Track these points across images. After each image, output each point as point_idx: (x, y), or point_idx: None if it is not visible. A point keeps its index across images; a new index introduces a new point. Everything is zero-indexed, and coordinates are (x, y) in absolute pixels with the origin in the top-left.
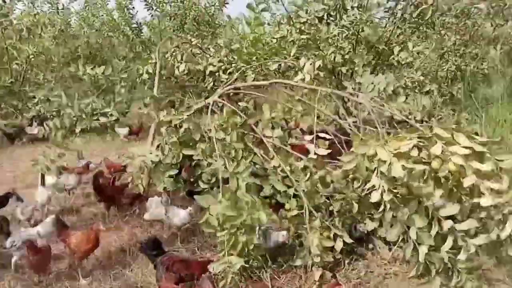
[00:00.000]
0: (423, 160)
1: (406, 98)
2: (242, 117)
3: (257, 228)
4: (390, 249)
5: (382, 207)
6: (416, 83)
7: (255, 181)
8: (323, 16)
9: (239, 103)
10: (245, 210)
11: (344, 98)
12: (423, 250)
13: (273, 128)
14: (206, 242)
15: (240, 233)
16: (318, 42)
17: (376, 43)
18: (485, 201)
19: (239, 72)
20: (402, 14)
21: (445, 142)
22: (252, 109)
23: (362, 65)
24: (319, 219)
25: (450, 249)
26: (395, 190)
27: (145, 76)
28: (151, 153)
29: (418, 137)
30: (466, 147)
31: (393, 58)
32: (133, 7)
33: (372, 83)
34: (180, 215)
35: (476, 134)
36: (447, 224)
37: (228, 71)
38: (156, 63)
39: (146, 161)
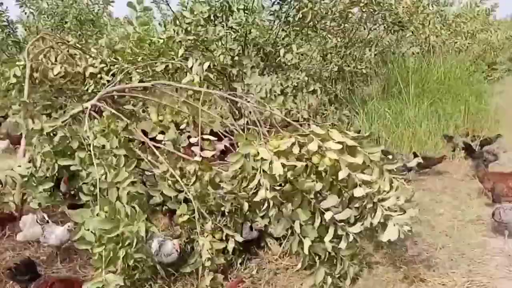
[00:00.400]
0: (305, 157)
1: (295, 97)
2: (125, 121)
3: (139, 240)
4: (280, 244)
5: (266, 205)
6: (302, 83)
7: (138, 189)
8: (209, 17)
9: (125, 107)
10: (123, 222)
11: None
12: (307, 242)
13: (162, 132)
14: (90, 259)
15: (118, 248)
16: (205, 43)
17: (263, 45)
18: (358, 191)
19: (123, 73)
20: (285, 17)
21: (321, 139)
22: (141, 112)
23: (251, 67)
24: (211, 222)
25: (333, 239)
26: (278, 188)
27: (13, 80)
28: (19, 166)
29: (298, 135)
30: (339, 143)
31: (280, 60)
32: (1, 3)
33: (260, 84)
34: (58, 233)
35: (359, 132)
36: (328, 215)
37: (111, 73)
38: (25, 65)
39: (14, 176)
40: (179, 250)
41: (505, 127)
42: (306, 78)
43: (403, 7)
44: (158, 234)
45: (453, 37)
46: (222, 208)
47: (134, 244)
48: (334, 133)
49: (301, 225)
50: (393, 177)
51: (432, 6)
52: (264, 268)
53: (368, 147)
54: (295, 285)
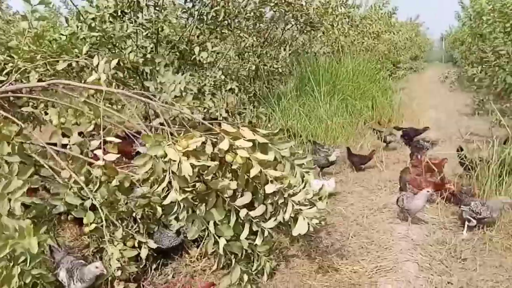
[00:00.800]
0: (219, 156)
1: (213, 96)
2: (19, 125)
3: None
4: (198, 246)
5: (176, 207)
6: (220, 82)
7: (34, 199)
8: (116, 12)
9: (24, 109)
10: (13, 238)
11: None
12: (222, 241)
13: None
14: None
15: (11, 266)
16: (113, 40)
17: (177, 42)
18: (269, 187)
19: (18, 72)
20: (199, 15)
21: (233, 137)
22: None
23: (164, 65)
24: (122, 229)
25: (249, 236)
26: (189, 189)
27: None
28: None
29: (209, 134)
30: (250, 140)
31: (196, 58)
32: None
33: (174, 82)
34: None
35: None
36: (243, 212)
37: (4, 72)
38: None
39: None
40: (104, 271)
41: (408, 120)
42: (223, 77)
43: (313, 8)
44: (70, 258)
45: (361, 38)
46: (134, 214)
47: (29, 261)
48: (245, 131)
49: (216, 225)
50: (305, 172)
51: (341, 8)
52: (180, 272)
53: (279, 144)
54: None
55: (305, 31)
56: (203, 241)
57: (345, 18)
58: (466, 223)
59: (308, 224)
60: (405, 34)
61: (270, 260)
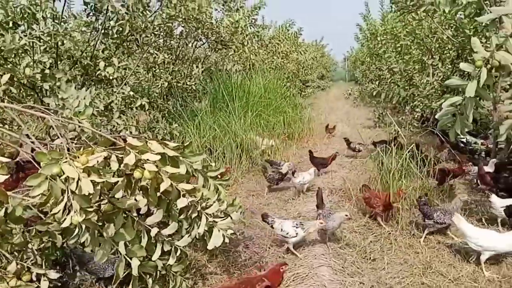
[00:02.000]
0: (127, 172)
1: (123, 113)
2: None
3: None
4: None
5: (77, 230)
6: (128, 99)
7: None
8: (7, 23)
9: None
10: None
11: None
12: (135, 262)
13: None
14: None
15: None
16: (2, 54)
17: (80, 58)
18: (181, 201)
19: None
20: (103, 29)
21: (139, 151)
22: None
23: (66, 80)
24: (15, 262)
25: (163, 255)
26: (92, 209)
27: None
28: None
29: (114, 149)
30: (159, 154)
31: (101, 74)
32: None
33: (77, 98)
34: None
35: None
36: (154, 231)
37: None
38: None
39: None
40: None
41: (315, 133)
42: (132, 93)
43: (224, 27)
44: None
45: (270, 57)
46: (30, 245)
47: None
48: (154, 145)
49: (126, 246)
50: (218, 184)
51: (250, 28)
52: None
53: (191, 156)
54: None
55: (216, 49)
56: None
57: (254, 38)
58: (426, 230)
59: (223, 235)
60: (311, 54)
61: (187, 280)
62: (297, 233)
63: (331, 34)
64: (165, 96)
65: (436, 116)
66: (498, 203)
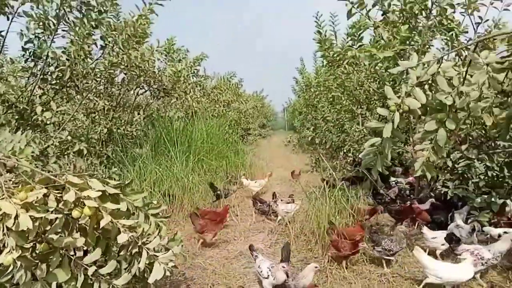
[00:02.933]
0: (65, 212)
1: (59, 158)
2: None
3: None
4: None
5: (12, 268)
6: (66, 143)
7: None
8: None
9: None
10: None
11: None
12: None
13: None
14: None
15: None
16: None
17: (16, 102)
18: (122, 237)
19: None
20: (42, 74)
21: (79, 189)
22: None
23: (0, 124)
24: None
25: None
26: (28, 246)
27: None
28: None
29: (52, 186)
30: (99, 191)
31: (38, 118)
32: None
33: (12, 142)
34: None
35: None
36: (91, 270)
37: None
38: None
39: None
40: None
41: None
42: (69, 138)
43: (166, 76)
44: None
45: (213, 105)
46: None
47: None
48: (94, 182)
49: (61, 286)
50: (160, 221)
51: (192, 78)
52: None
53: (131, 194)
54: None
55: (159, 97)
56: None
57: (197, 87)
58: (383, 259)
59: (164, 268)
60: (251, 104)
61: None
62: (268, 275)
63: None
64: (104, 142)
65: (360, 156)
66: (429, 234)
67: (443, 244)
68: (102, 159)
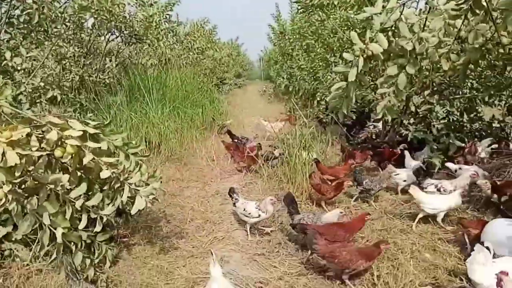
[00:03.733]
0: (48, 151)
1: (31, 105)
2: None
3: None
4: (30, 249)
5: (4, 200)
6: (38, 90)
7: None
8: None
9: None
10: None
11: None
12: (59, 231)
13: None
14: None
15: None
16: None
17: None
18: (104, 173)
19: None
20: (8, 18)
21: (60, 129)
22: None
23: None
24: None
25: (88, 227)
26: (17, 181)
27: None
28: None
29: (34, 126)
30: (80, 130)
31: (7, 64)
32: None
33: None
34: None
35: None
36: (79, 203)
37: None
38: None
39: None
40: None
41: (233, 126)
42: (42, 84)
43: (137, 21)
44: None
45: (186, 52)
46: None
47: None
48: (74, 123)
49: (51, 218)
50: (139, 159)
51: (165, 23)
52: (12, 276)
53: (111, 135)
54: (49, 284)
55: (130, 43)
56: (35, 244)
57: (170, 33)
58: (358, 194)
59: (146, 200)
60: (226, 51)
61: (112, 248)
62: (259, 214)
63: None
64: (77, 90)
65: (327, 99)
66: (393, 171)
67: (404, 180)
68: (76, 107)
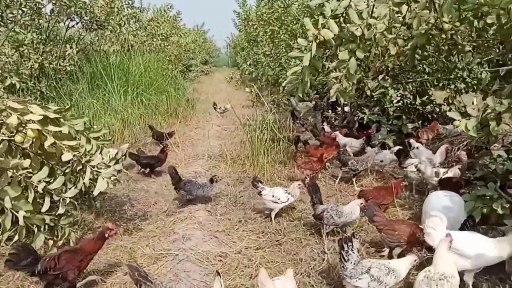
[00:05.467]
0: (8, 137)
1: None
2: None
3: None
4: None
5: None
6: None
7: None
8: None
9: None
10: None
11: None
12: (21, 213)
13: None
14: None
15: None
16: None
17: None
18: (66, 156)
19: None
20: None
21: (21, 113)
22: None
23: None
24: None
25: (51, 210)
26: None
27: None
28: None
29: None
30: (40, 115)
31: None
32: None
33: None
34: None
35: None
36: (41, 186)
37: None
38: None
39: None
40: None
41: (198, 112)
42: None
43: (98, 6)
44: None
45: (150, 39)
46: None
47: None
48: (34, 108)
49: (12, 202)
50: (101, 143)
51: (127, 9)
52: None
53: (72, 120)
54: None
55: (91, 29)
56: None
57: (132, 19)
58: (339, 176)
59: (107, 182)
60: (192, 37)
61: (76, 231)
62: (288, 198)
63: (213, 20)
64: (36, 78)
65: (283, 84)
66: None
67: (381, 161)
68: (36, 95)
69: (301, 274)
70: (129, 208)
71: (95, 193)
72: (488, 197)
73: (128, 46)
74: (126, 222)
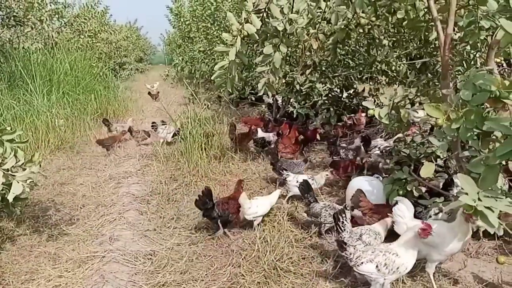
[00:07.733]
0: None
1: None
2: None
3: None
4: None
5: None
6: None
7: None
8: None
9: None
10: None
11: None
12: None
13: None
14: None
15: None
16: None
17: None
18: None
19: None
20: None
21: None
22: None
23: None
24: None
25: None
26: None
27: None
28: None
29: None
30: None
31: None
32: None
33: None
34: None
35: None
36: None
37: None
38: None
39: None
40: None
41: (133, 112)
42: None
43: (16, 2)
44: None
45: (77, 36)
46: None
47: None
48: None
49: None
50: (16, 146)
51: (50, 5)
52: None
53: None
54: None
55: (9, 26)
56: None
57: (55, 15)
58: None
59: (23, 185)
60: (123, 34)
61: None
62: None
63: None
64: None
65: (212, 78)
66: None
67: None
68: None
69: (232, 265)
70: (54, 213)
71: (10, 198)
72: (403, 180)
73: (52, 43)
74: (50, 228)
